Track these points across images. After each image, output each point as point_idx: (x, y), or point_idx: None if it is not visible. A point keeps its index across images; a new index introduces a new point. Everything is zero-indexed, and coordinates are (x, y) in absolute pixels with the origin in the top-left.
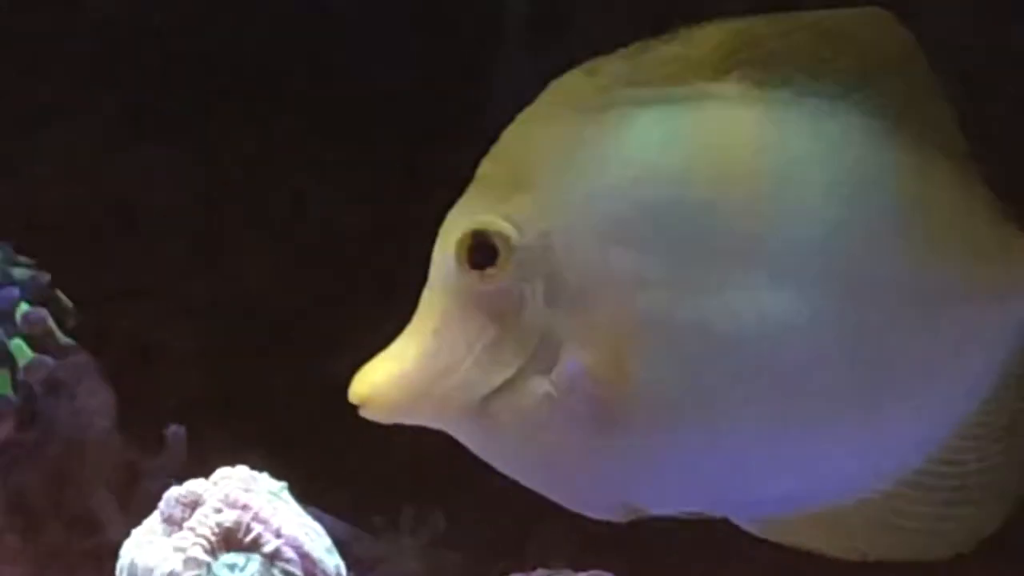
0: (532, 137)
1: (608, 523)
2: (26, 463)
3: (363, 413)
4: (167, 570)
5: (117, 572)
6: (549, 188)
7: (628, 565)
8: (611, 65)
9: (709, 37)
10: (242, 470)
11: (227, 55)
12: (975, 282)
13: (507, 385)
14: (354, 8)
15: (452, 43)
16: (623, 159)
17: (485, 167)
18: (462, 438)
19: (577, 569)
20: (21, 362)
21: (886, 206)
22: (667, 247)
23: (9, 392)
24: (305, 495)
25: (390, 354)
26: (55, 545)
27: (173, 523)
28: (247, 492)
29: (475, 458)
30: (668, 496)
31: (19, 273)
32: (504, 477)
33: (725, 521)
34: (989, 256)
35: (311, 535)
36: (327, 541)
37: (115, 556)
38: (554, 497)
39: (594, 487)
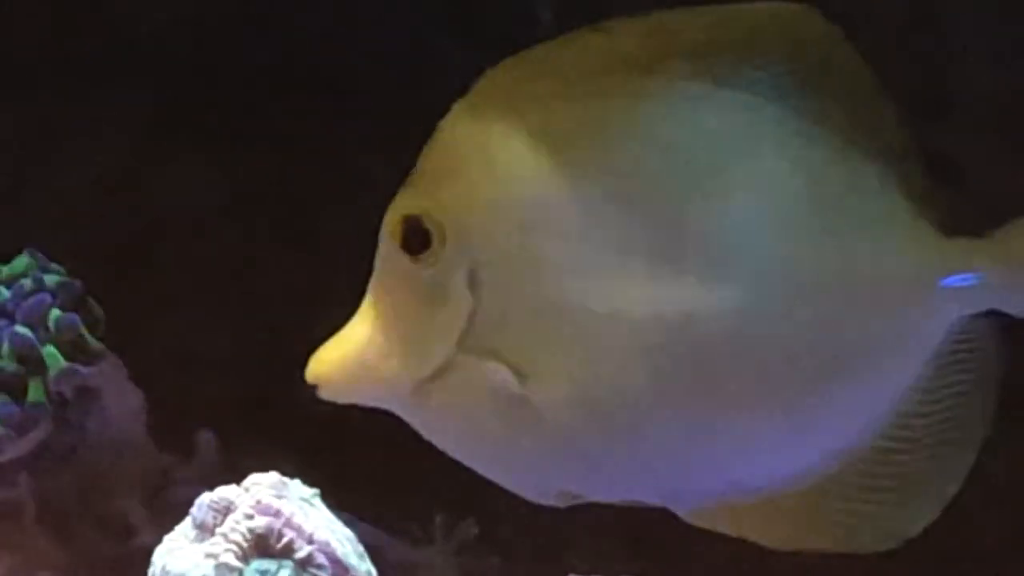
0: (462, 128)
1: (644, 528)
2: (58, 469)
3: (319, 394)
4: None
5: None
6: (475, 178)
7: (663, 570)
8: (539, 57)
9: (636, 30)
10: (274, 476)
11: (260, 63)
12: (896, 278)
13: (441, 370)
14: (392, 18)
15: (493, 54)
16: (546, 151)
17: (422, 157)
18: (407, 419)
19: (610, 574)
20: (53, 369)
21: (809, 200)
22: (588, 239)
23: (42, 399)
24: (337, 501)
25: (340, 338)
26: (87, 550)
27: (205, 529)
28: (279, 498)
29: None
30: (599, 484)
31: (51, 280)
32: None
33: None
34: (910, 252)
35: (343, 541)
36: (359, 547)
37: (146, 562)
38: (495, 480)
39: (526, 473)
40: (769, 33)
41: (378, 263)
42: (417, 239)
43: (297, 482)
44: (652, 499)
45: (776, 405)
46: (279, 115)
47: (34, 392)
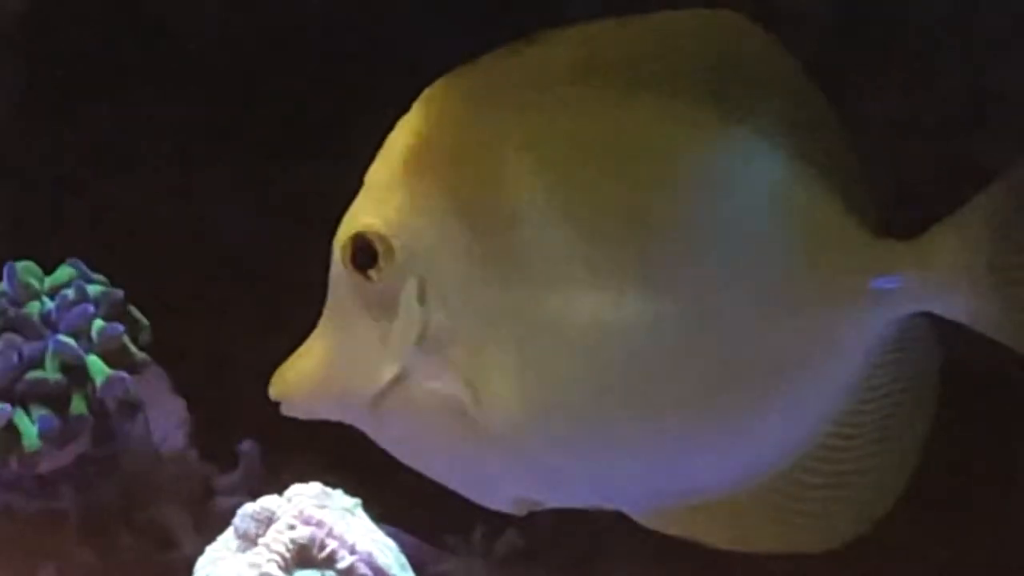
0: (406, 142)
1: (683, 541)
2: (101, 479)
3: (281, 411)
4: None
5: None
6: (418, 192)
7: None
8: (477, 70)
9: (569, 41)
10: (316, 486)
11: (304, 74)
12: (827, 281)
13: (394, 382)
14: (437, 34)
15: None
16: (490, 165)
17: (371, 170)
18: (367, 432)
19: None
20: (98, 379)
21: (739, 206)
22: (529, 250)
23: (85, 411)
24: (378, 512)
25: (299, 354)
26: (129, 561)
27: (247, 539)
28: (321, 508)
29: None
30: (553, 492)
31: (93, 290)
32: None
33: None
34: (840, 256)
35: (385, 551)
36: (401, 558)
37: (189, 572)
38: (452, 488)
39: (481, 482)
40: (698, 39)
41: (332, 279)
42: (364, 255)
43: (339, 492)
44: (607, 504)
45: (718, 410)
46: (324, 125)
47: (77, 404)
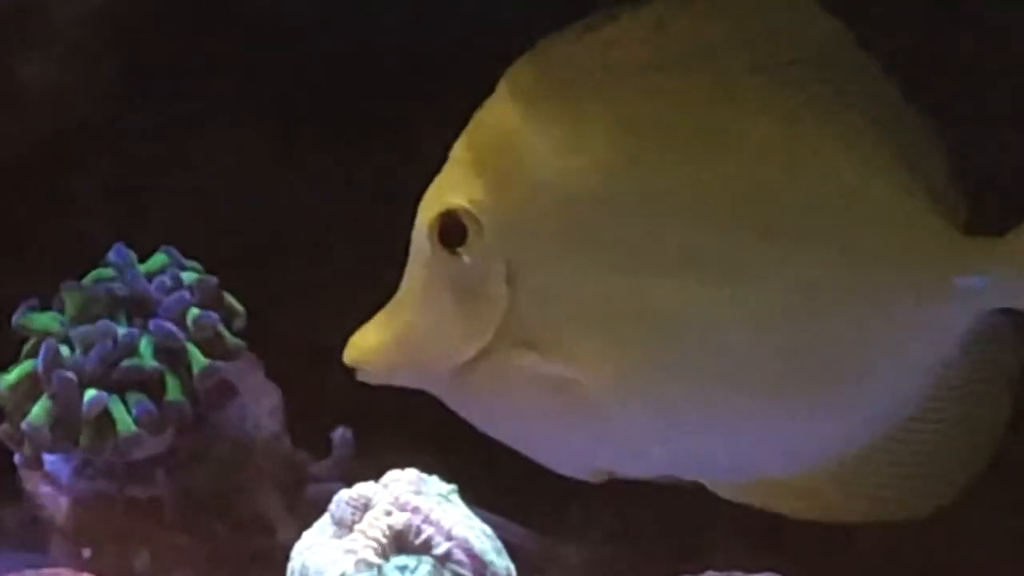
0: (496, 122)
1: (781, 524)
2: (195, 465)
3: (358, 376)
4: (338, 572)
5: (288, 574)
6: (507, 173)
7: (797, 566)
8: (558, 50)
9: (644, 22)
10: (412, 472)
11: (388, 64)
12: (914, 277)
13: (480, 356)
14: (519, 20)
15: None
16: (574, 148)
17: (457, 148)
18: (446, 401)
19: (748, 570)
20: (194, 367)
21: (828, 202)
22: (620, 235)
23: (180, 397)
24: (474, 497)
25: (377, 321)
26: (225, 547)
27: (343, 525)
28: (417, 494)
29: None
30: (633, 463)
31: (188, 277)
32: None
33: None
34: (927, 252)
35: (481, 537)
36: (498, 543)
37: (284, 558)
38: (531, 456)
39: (562, 451)
40: (772, 25)
41: (414, 252)
42: (453, 233)
43: (435, 478)
44: (686, 476)
45: (799, 396)
46: (409, 114)
47: (172, 390)
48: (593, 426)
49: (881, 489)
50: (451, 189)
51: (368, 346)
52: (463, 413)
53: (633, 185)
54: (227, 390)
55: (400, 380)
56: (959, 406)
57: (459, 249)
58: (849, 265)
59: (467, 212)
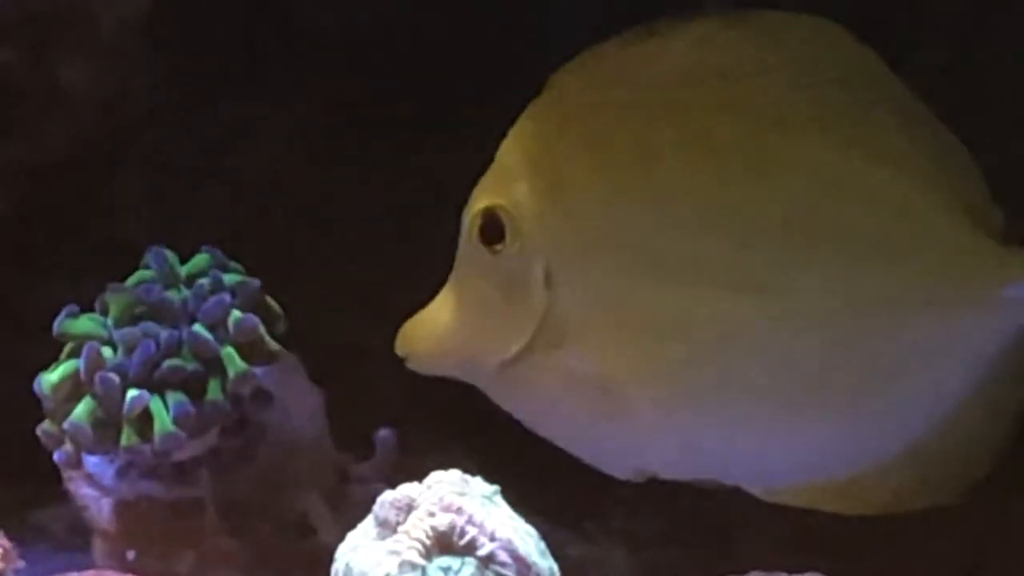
0: (540, 126)
1: (820, 524)
2: (238, 467)
3: (408, 365)
4: (382, 573)
5: (332, 575)
6: (549, 176)
7: (840, 566)
8: (603, 58)
9: (688, 37)
10: (455, 474)
11: (431, 66)
12: (957, 289)
13: (521, 354)
14: (569, 21)
15: None
16: (619, 155)
17: (503, 148)
18: (490, 395)
19: (791, 571)
20: (231, 372)
21: (870, 214)
22: (656, 244)
23: (219, 396)
24: (516, 498)
25: (427, 314)
26: (268, 548)
27: (387, 527)
28: (461, 496)
29: None
30: (672, 465)
31: (230, 279)
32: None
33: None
34: (970, 265)
35: (525, 538)
36: (541, 544)
37: (327, 559)
38: (572, 453)
39: (602, 450)
40: (817, 51)
41: (461, 247)
42: (492, 230)
43: (478, 479)
44: (723, 479)
45: (838, 405)
46: (455, 115)
47: (212, 390)
48: (630, 427)
49: (918, 484)
50: (494, 189)
51: (418, 336)
52: (506, 408)
53: (673, 195)
54: (268, 392)
55: (447, 372)
56: (997, 405)
57: (498, 247)
58: (891, 278)
59: (506, 211)
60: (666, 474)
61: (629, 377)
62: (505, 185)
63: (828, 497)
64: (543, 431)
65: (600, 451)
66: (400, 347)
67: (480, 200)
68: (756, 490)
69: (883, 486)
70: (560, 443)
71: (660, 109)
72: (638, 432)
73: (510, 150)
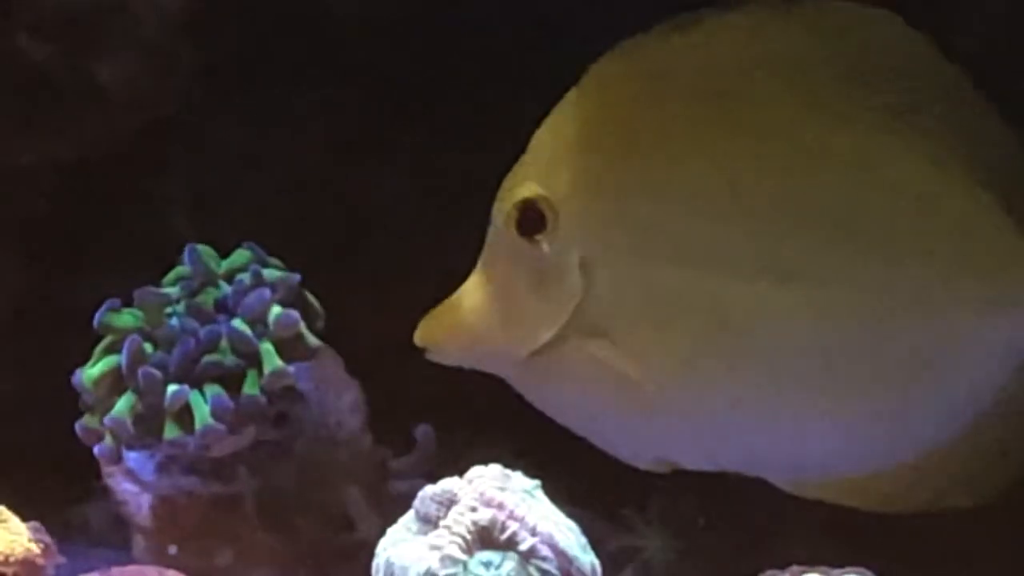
0: (579, 114)
1: (861, 517)
2: (278, 462)
3: (428, 356)
4: (423, 568)
5: (373, 570)
6: (588, 167)
7: (881, 559)
8: (645, 48)
9: (733, 26)
10: (496, 468)
11: (463, 64)
12: (989, 292)
13: (550, 344)
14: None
15: None
16: (655, 147)
17: (537, 138)
18: (514, 385)
19: (832, 564)
20: (267, 368)
21: (902, 213)
22: (696, 234)
23: (257, 392)
24: (556, 491)
25: (450, 304)
26: (308, 543)
27: (428, 521)
28: (502, 490)
29: None
30: (696, 456)
31: (270, 274)
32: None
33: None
34: (1005, 266)
35: (566, 532)
36: (582, 538)
37: (367, 554)
38: (595, 443)
39: (627, 441)
40: (860, 38)
41: (491, 237)
42: (532, 222)
43: (519, 474)
44: (749, 472)
45: (865, 401)
46: (491, 110)
47: (250, 385)
48: (657, 419)
49: (947, 482)
50: (531, 178)
51: (440, 327)
52: (530, 398)
53: (710, 186)
54: (307, 388)
55: (470, 363)
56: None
57: (537, 237)
58: (923, 273)
59: (546, 201)
60: (691, 465)
61: (659, 368)
62: (544, 174)
63: (854, 493)
64: (568, 421)
65: (625, 441)
66: (420, 338)
67: (518, 190)
68: (781, 483)
69: (914, 484)
70: (584, 433)
71: (703, 100)
72: (664, 423)
73: (548, 139)
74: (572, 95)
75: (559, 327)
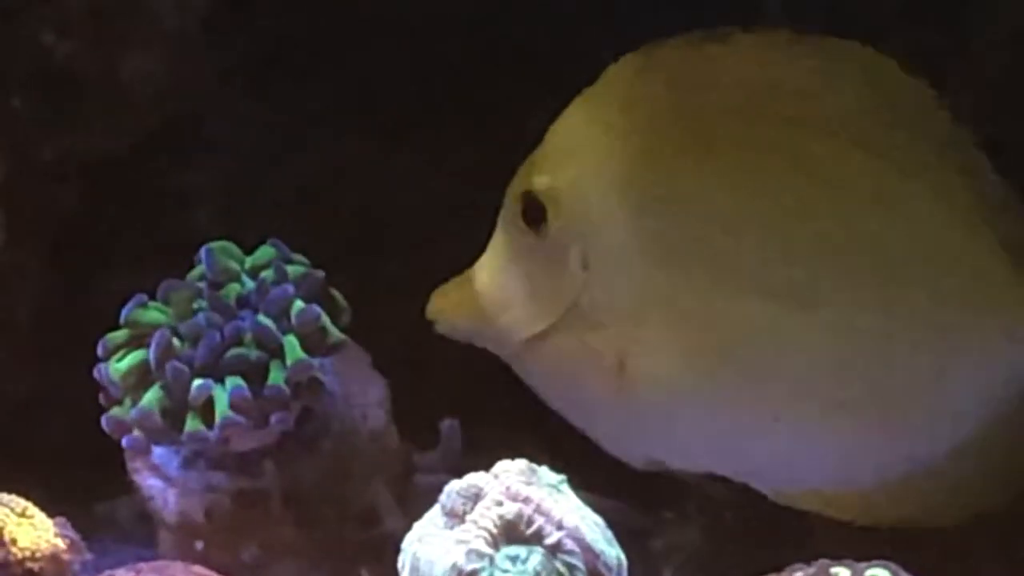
0: (592, 112)
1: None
2: (303, 457)
3: (436, 328)
4: (450, 563)
5: (399, 565)
6: (595, 165)
7: (911, 557)
8: (661, 57)
9: (746, 48)
10: (522, 463)
11: (490, 59)
12: (989, 326)
13: (548, 332)
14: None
15: None
16: (662, 153)
17: (551, 132)
18: (513, 368)
19: (859, 558)
20: (290, 360)
21: (911, 242)
22: (694, 240)
23: (280, 383)
24: (582, 485)
25: (461, 281)
26: (334, 538)
27: (454, 516)
28: (528, 485)
29: None
30: (681, 456)
31: (293, 270)
32: None
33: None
34: (1004, 302)
35: (592, 527)
36: (608, 533)
37: (393, 548)
38: (589, 436)
39: (618, 436)
40: (865, 79)
41: (501, 222)
42: (535, 212)
43: (545, 468)
44: (736, 478)
45: (864, 420)
46: (514, 109)
47: (274, 376)
48: (646, 416)
49: (937, 500)
50: (541, 169)
51: (450, 302)
52: (528, 382)
53: (714, 198)
54: (332, 383)
55: (473, 340)
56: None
57: (541, 228)
58: (928, 301)
59: (552, 194)
60: (677, 465)
61: (650, 367)
62: (552, 167)
63: (841, 506)
64: (561, 410)
65: (614, 436)
66: (430, 311)
67: (525, 181)
68: (766, 491)
69: (901, 499)
70: (576, 424)
71: (715, 112)
72: (653, 421)
73: (560, 133)
74: (589, 92)
75: (557, 317)
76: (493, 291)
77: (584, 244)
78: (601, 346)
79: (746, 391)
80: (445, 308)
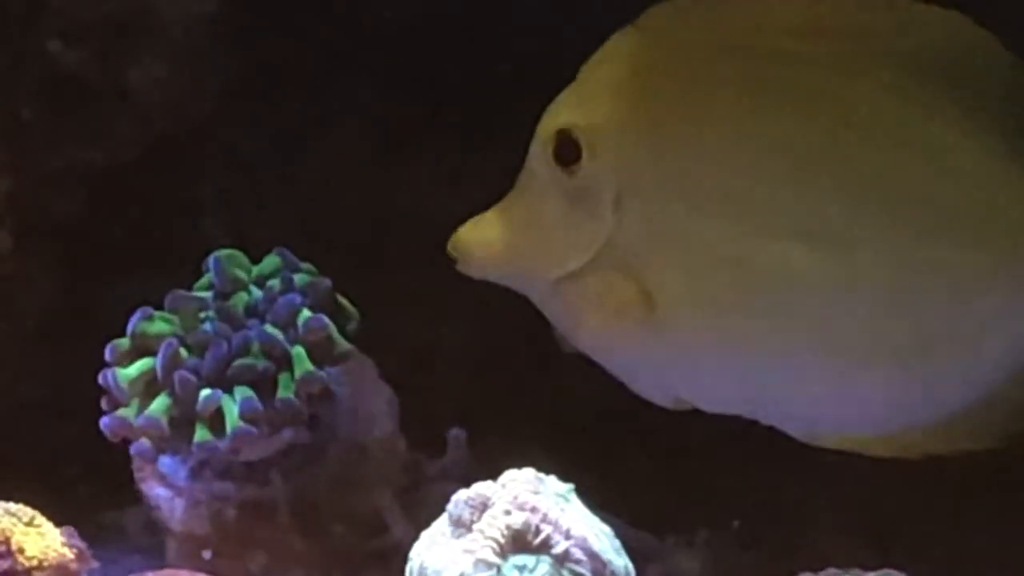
0: (628, 52)
1: (893, 528)
2: (311, 466)
3: (458, 267)
4: (457, 572)
5: (406, 574)
6: (630, 105)
7: (917, 562)
8: (703, 2)
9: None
10: (529, 472)
11: (499, 63)
12: (1012, 272)
13: (576, 274)
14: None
15: None
16: (698, 96)
17: (585, 71)
18: (539, 307)
19: (866, 567)
20: (298, 371)
21: (934, 180)
22: (729, 182)
23: (291, 395)
24: (588, 495)
25: (487, 218)
26: (341, 547)
27: (461, 525)
28: (535, 494)
29: (764, 458)
30: (710, 398)
31: (300, 279)
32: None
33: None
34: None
35: (600, 536)
36: (616, 542)
37: (400, 558)
38: (617, 376)
39: (645, 377)
40: (904, 18)
41: (529, 161)
42: (568, 151)
43: (552, 478)
44: (762, 420)
45: (887, 362)
46: (523, 115)
47: (284, 388)
48: (675, 356)
49: (970, 442)
50: (574, 108)
51: (474, 240)
52: (555, 323)
53: (750, 142)
54: (339, 392)
55: (499, 278)
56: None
57: (572, 167)
58: (953, 247)
59: (585, 132)
60: (705, 406)
61: (681, 307)
62: (586, 106)
63: (876, 448)
64: (588, 350)
65: (643, 376)
66: (453, 248)
67: (558, 119)
68: (796, 434)
69: (936, 442)
70: (604, 364)
71: (754, 57)
72: (683, 363)
73: (593, 72)
74: (624, 32)
75: (588, 258)
76: (522, 229)
77: (617, 184)
78: (631, 287)
79: (778, 334)
80: (470, 246)
